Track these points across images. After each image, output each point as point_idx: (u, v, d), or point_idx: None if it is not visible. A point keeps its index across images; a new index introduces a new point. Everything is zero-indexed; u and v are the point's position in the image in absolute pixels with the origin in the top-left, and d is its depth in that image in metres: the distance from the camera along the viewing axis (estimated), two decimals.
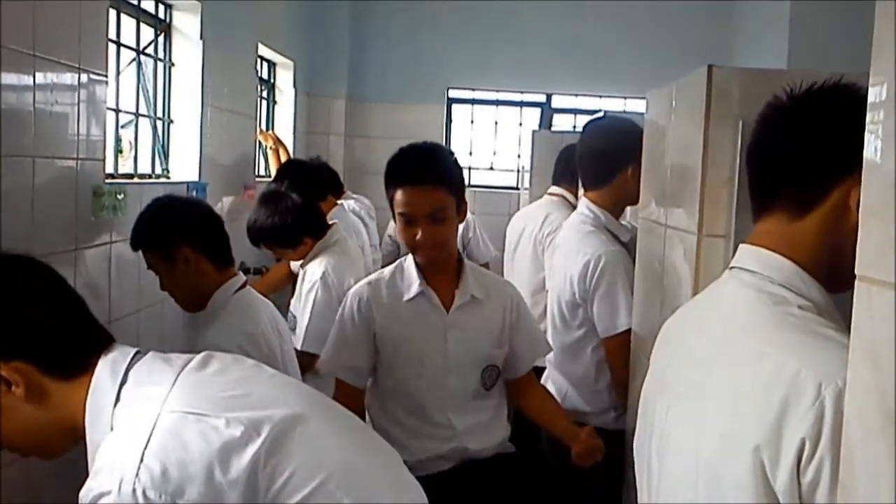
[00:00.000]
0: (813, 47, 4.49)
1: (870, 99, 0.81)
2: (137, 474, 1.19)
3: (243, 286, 2.48)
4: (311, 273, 3.30)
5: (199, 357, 1.41)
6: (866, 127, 0.82)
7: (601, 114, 4.42)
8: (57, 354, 1.35)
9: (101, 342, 1.40)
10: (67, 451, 1.42)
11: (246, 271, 4.37)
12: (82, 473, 1.27)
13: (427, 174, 2.26)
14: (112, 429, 1.28)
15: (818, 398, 1.07)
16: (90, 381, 1.33)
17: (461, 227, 5.25)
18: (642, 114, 2.73)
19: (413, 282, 2.33)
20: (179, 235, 2.38)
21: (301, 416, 1.35)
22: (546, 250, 4.03)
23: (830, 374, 1.06)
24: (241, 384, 1.37)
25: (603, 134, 2.94)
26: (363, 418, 2.36)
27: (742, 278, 1.30)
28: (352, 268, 3.36)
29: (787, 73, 2.02)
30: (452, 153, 2.42)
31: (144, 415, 1.26)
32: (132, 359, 1.37)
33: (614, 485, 2.67)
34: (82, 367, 1.35)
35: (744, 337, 1.24)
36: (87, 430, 1.31)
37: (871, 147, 0.80)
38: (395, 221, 2.34)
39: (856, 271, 0.82)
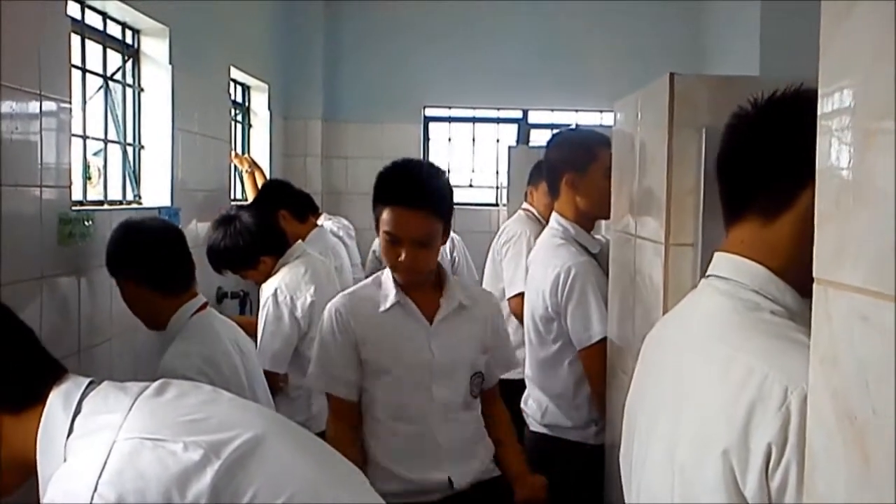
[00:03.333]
0: (784, 54, 4.51)
1: (823, 104, 0.80)
2: (91, 503, 1.15)
3: (202, 308, 2.45)
4: (266, 291, 3.28)
5: (155, 384, 1.38)
6: (818, 130, 0.81)
7: (573, 127, 4.45)
8: (4, 388, 1.32)
9: (53, 373, 1.37)
10: (20, 488, 1.38)
11: (223, 296, 4.33)
12: None
13: (418, 197, 2.18)
14: (65, 460, 1.25)
15: (784, 403, 1.07)
16: (41, 414, 1.30)
17: (446, 246, 5.31)
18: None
19: (389, 292, 2.29)
20: (119, 267, 2.43)
21: (262, 438, 1.32)
22: (503, 260, 4.07)
23: (797, 378, 1.06)
24: (200, 408, 1.35)
25: (553, 146, 2.99)
26: (358, 434, 2.32)
27: (716, 286, 1.32)
28: (312, 284, 3.30)
29: (750, 80, 2.03)
30: (444, 173, 2.35)
31: (99, 442, 1.23)
32: (86, 389, 1.34)
33: (595, 501, 2.65)
34: (33, 400, 1.32)
35: (716, 344, 1.25)
36: (38, 463, 1.28)
37: (824, 150, 0.80)
38: (378, 237, 2.28)
39: (813, 274, 0.82)
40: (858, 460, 0.71)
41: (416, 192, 2.19)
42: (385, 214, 2.20)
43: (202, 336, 2.38)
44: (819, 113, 0.81)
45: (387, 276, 2.32)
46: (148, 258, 2.40)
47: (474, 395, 2.37)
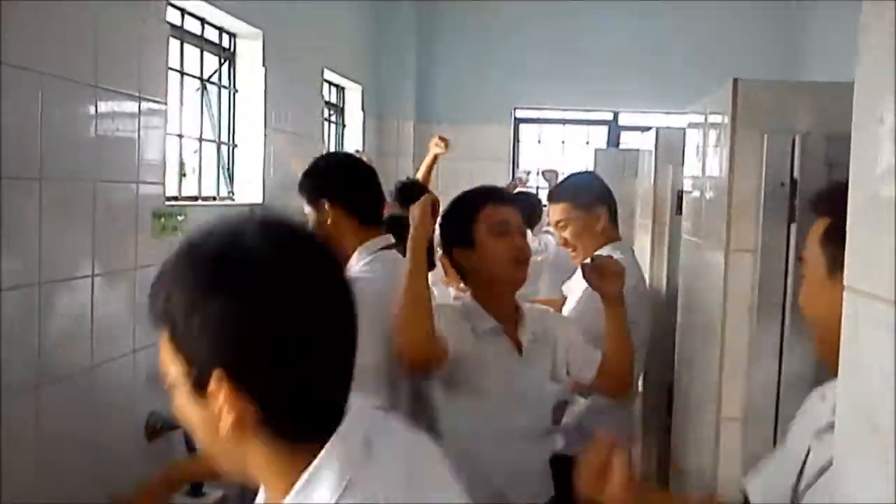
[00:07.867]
0: None
1: (858, 112, 0.81)
2: None
3: (389, 247, 2.41)
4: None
5: None
6: (853, 139, 0.82)
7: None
8: (305, 413, 0.98)
9: (337, 417, 1.00)
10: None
11: None
12: None
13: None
14: None
15: None
16: (308, 462, 0.96)
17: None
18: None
19: (484, 316, 2.24)
20: (323, 188, 2.43)
21: None
22: None
23: None
24: None
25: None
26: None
27: None
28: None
29: (818, 85, 1.99)
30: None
31: None
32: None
33: None
34: (310, 439, 0.97)
35: None
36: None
37: (858, 159, 0.81)
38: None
39: (844, 283, 0.83)
40: (882, 470, 0.72)
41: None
42: (489, 210, 2.25)
43: (391, 268, 2.30)
44: (854, 121, 0.82)
45: (472, 300, 2.30)
46: (350, 182, 2.45)
47: (556, 422, 2.41)
